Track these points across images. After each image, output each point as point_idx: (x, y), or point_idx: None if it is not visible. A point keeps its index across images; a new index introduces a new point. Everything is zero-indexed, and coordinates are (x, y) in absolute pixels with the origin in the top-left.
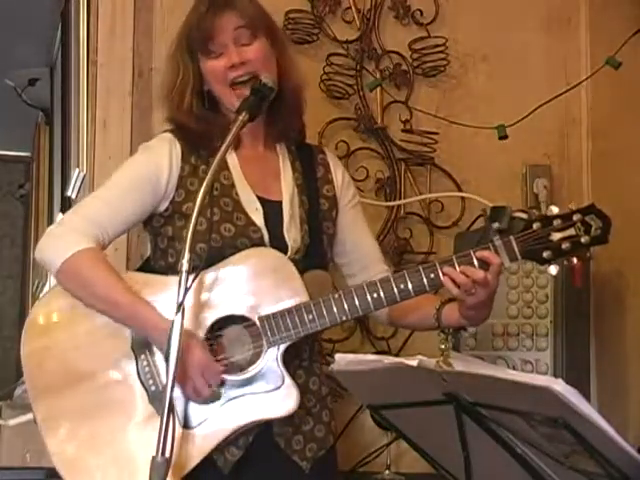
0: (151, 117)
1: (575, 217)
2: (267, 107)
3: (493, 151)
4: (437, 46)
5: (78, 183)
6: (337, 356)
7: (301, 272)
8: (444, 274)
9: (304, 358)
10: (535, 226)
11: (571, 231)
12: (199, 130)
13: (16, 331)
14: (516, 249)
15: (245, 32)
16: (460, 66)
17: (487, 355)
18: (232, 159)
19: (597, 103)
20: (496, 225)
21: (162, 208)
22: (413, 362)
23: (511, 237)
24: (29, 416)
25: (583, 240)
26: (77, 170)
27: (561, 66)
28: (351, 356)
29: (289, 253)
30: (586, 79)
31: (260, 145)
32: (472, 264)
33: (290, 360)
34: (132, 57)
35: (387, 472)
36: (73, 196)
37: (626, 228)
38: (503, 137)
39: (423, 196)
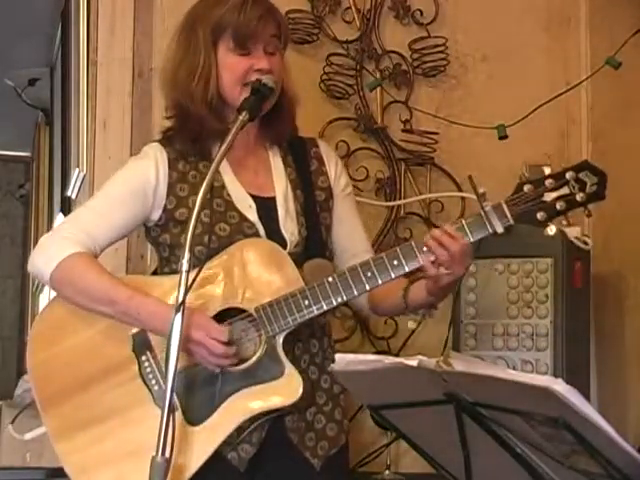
0: (151, 117)
1: (568, 175)
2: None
3: (493, 151)
4: (437, 46)
5: (78, 183)
6: (337, 356)
7: (302, 264)
8: (433, 238)
9: (315, 353)
10: (526, 188)
11: (565, 190)
12: (197, 128)
13: (16, 331)
14: (508, 213)
15: (275, 42)
16: (460, 66)
17: (487, 355)
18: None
19: (597, 103)
20: (483, 190)
21: (155, 217)
22: (413, 362)
23: (502, 201)
24: (44, 429)
25: (578, 198)
26: (77, 170)
27: (561, 66)
28: (351, 356)
29: (288, 247)
30: (586, 79)
31: (250, 145)
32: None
33: (300, 355)
34: (132, 57)
35: (387, 472)
36: (73, 196)
37: (626, 228)
38: (503, 137)
39: (423, 196)
